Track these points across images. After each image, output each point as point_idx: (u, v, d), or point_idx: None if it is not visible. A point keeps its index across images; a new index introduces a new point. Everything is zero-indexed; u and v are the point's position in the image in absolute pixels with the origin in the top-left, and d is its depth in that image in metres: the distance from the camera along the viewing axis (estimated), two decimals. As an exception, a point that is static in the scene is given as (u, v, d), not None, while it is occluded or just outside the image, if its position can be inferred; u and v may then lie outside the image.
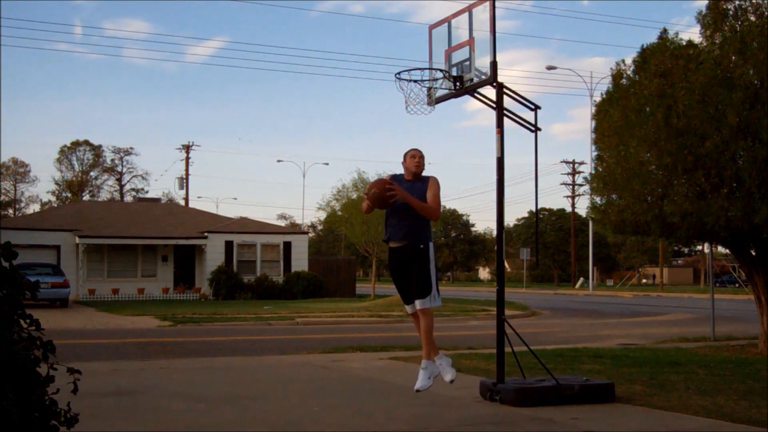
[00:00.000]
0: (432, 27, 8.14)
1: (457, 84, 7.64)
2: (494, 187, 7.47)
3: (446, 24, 7.94)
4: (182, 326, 18.64)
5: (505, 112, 7.56)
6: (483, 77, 7.47)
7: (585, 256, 64.03)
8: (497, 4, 7.42)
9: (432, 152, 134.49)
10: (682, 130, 10.82)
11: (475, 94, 7.71)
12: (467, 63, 7.58)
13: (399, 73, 7.58)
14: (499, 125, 7.46)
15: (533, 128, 7.68)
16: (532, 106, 7.66)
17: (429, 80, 7.74)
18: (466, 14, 7.63)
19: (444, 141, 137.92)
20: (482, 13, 7.42)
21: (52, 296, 25.84)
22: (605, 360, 10.60)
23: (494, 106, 7.54)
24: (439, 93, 7.91)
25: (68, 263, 31.39)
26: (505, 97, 7.56)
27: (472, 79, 7.55)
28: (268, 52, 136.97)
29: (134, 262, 34.27)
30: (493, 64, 7.32)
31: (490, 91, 7.65)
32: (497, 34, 7.35)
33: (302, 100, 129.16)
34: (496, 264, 7.65)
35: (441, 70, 7.72)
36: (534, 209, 8.38)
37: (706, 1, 11.80)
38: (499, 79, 7.44)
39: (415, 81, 7.57)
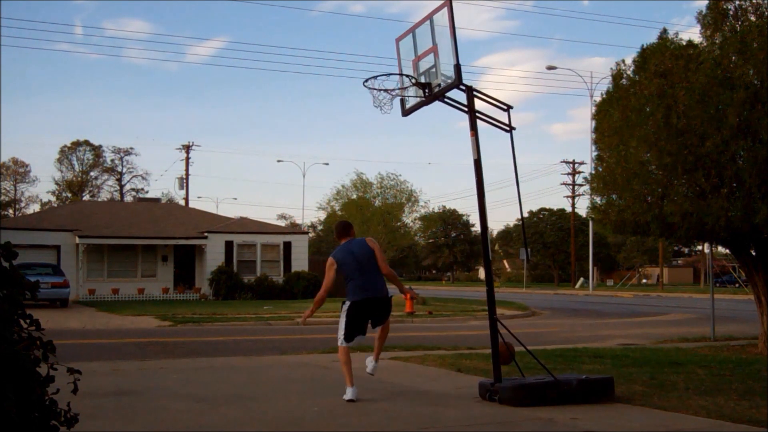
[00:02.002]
0: (398, 39, 8.23)
1: (426, 91, 7.69)
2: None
3: (411, 35, 8.00)
4: (182, 326, 18.64)
5: (478, 114, 7.61)
6: (449, 81, 7.50)
7: (585, 256, 64.00)
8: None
9: (431, 152, 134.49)
10: (683, 130, 10.82)
11: (446, 99, 7.73)
12: (433, 70, 7.64)
13: (366, 81, 7.67)
14: (473, 128, 7.51)
15: (508, 128, 7.74)
16: (504, 107, 7.72)
17: (399, 88, 7.83)
18: (428, 23, 7.68)
19: (444, 141, 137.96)
20: (442, 19, 7.45)
21: (52, 296, 25.83)
22: (605, 360, 10.60)
23: (465, 109, 7.57)
24: (411, 103, 8.01)
25: (68, 263, 31.38)
26: (493, 99, 7.62)
27: (439, 85, 7.59)
28: (269, 52, 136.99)
29: (134, 262, 34.26)
30: (457, 67, 7.34)
31: (462, 96, 7.68)
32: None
33: (302, 100, 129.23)
34: (484, 264, 7.70)
35: (408, 76, 7.78)
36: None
37: (706, 1, 11.80)
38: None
39: (386, 90, 7.66)
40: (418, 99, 7.85)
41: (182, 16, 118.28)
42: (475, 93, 7.53)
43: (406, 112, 8.06)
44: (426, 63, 7.76)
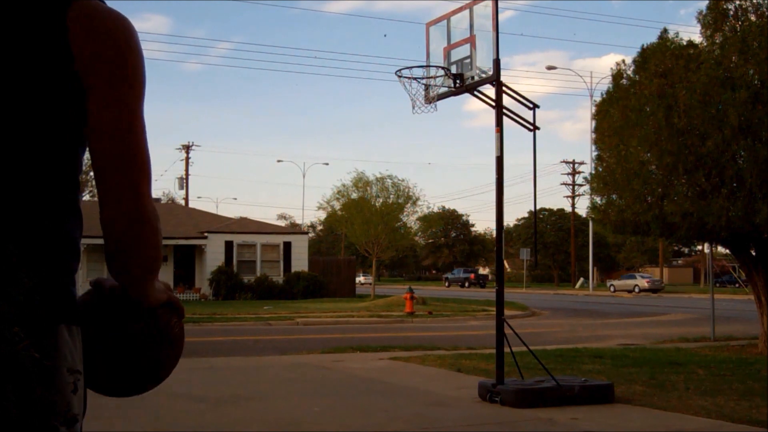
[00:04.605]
0: (429, 24, 8.13)
1: (457, 82, 7.64)
2: (494, 187, 7.47)
3: (445, 21, 7.93)
4: (182, 326, 18.61)
5: (504, 110, 7.56)
6: (483, 75, 7.46)
7: (585, 256, 64.00)
8: (499, 3, 7.41)
9: (432, 152, 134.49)
10: (683, 129, 10.82)
11: (476, 93, 7.70)
12: (467, 61, 7.57)
13: (400, 71, 7.60)
14: (499, 124, 7.46)
15: (532, 127, 7.69)
16: (531, 105, 7.66)
17: (430, 77, 7.75)
18: (467, 11, 7.62)
19: (444, 141, 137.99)
20: (483, 10, 7.40)
21: (52, 296, 25.79)
22: (605, 360, 10.60)
23: (494, 104, 7.53)
24: (439, 91, 7.91)
25: (68, 263, 31.37)
26: (504, 96, 7.56)
27: (473, 77, 7.54)
28: (269, 52, 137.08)
29: (134, 262, 34.26)
30: (496, 62, 7.30)
31: (489, 90, 7.65)
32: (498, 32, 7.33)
33: (302, 100, 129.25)
34: (496, 264, 7.65)
35: (442, 68, 7.72)
36: (532, 209, 8.37)
37: (707, 1, 11.81)
38: (500, 78, 7.44)
39: (416, 79, 7.59)
40: (447, 89, 7.80)
41: (182, 16, 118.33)
42: (504, 89, 7.49)
43: (429, 100, 7.95)
44: (459, 53, 7.66)
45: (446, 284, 67.34)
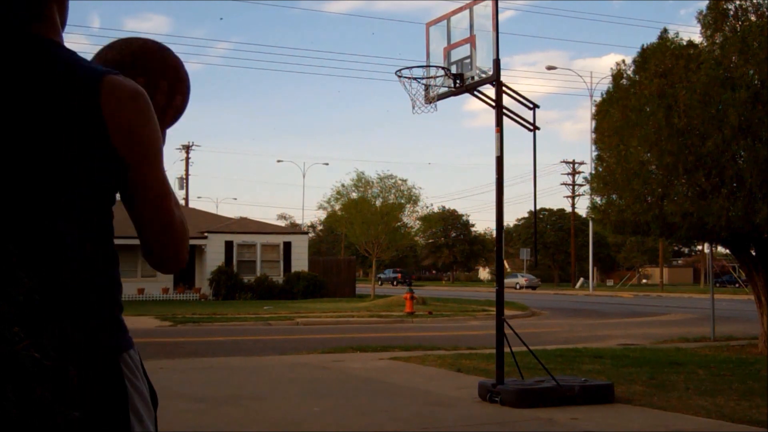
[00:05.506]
0: (429, 24, 8.13)
1: (458, 82, 7.64)
2: (494, 187, 7.47)
3: (445, 21, 7.93)
4: (182, 326, 18.63)
5: (504, 111, 7.56)
6: (483, 75, 7.47)
7: (585, 256, 64.02)
8: (499, 3, 7.40)
9: (432, 152, 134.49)
10: (683, 129, 10.82)
11: (476, 93, 7.70)
12: (467, 61, 7.57)
13: (400, 71, 7.60)
14: (499, 124, 7.45)
15: (532, 127, 7.69)
16: (531, 105, 7.66)
17: (430, 77, 7.75)
18: (467, 11, 7.62)
19: (444, 141, 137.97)
20: (483, 10, 7.40)
21: (52, 296, 25.76)
22: (605, 360, 10.60)
23: (494, 104, 7.53)
24: (439, 91, 7.91)
25: (68, 263, 31.33)
26: (504, 96, 7.55)
27: (473, 77, 7.54)
28: (269, 53, 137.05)
29: (134, 262, 34.24)
30: (496, 62, 7.30)
31: (489, 90, 7.65)
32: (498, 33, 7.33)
33: (302, 100, 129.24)
34: (496, 264, 7.65)
35: (442, 68, 7.73)
36: (532, 209, 8.36)
37: (707, 1, 11.81)
38: (500, 78, 7.43)
39: (416, 79, 7.59)
40: (447, 89, 7.79)
41: (182, 16, 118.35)
42: (504, 89, 7.47)
43: (429, 100, 7.93)
44: (459, 53, 7.66)
45: (379, 283, 71.98)
